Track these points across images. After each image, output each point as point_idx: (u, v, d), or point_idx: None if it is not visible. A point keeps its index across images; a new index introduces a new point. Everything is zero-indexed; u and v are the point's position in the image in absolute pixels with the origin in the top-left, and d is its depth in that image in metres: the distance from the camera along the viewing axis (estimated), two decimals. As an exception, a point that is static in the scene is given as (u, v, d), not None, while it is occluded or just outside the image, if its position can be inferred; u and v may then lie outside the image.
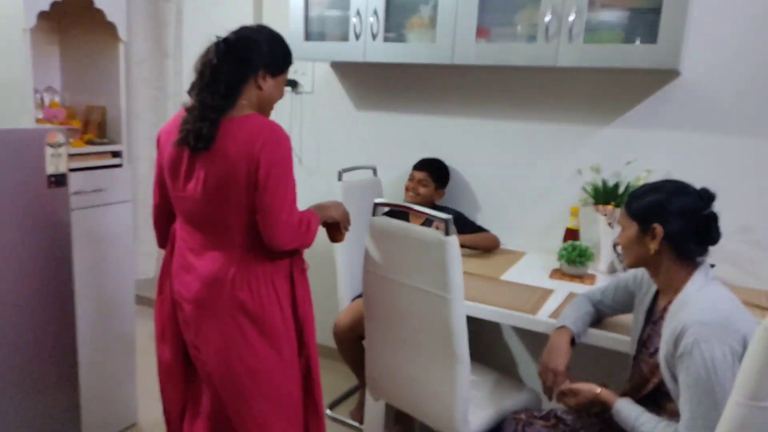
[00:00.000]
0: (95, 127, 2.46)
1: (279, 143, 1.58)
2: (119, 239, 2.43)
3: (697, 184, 1.53)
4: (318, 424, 1.84)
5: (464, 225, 2.48)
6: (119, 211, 2.42)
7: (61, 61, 2.60)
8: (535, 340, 2.55)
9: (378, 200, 1.88)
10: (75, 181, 2.15)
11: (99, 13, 2.27)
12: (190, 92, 1.65)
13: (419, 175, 2.56)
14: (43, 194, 1.97)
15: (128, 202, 2.45)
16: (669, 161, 2.29)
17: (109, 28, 2.35)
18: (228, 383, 1.70)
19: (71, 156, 2.09)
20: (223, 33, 1.66)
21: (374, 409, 2.23)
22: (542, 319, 1.83)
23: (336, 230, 1.89)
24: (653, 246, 1.50)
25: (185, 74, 3.31)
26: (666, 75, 2.25)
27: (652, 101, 2.31)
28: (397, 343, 1.86)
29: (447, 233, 1.65)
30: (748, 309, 1.48)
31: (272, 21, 3.09)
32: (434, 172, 2.58)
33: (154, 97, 3.26)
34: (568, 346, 1.71)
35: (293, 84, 3.06)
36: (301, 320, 1.76)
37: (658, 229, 1.48)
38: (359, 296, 2.50)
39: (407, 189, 2.58)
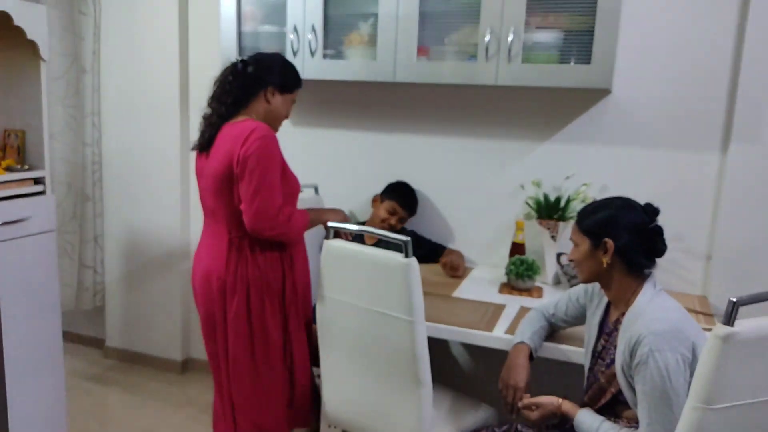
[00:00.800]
0: (14, 152, 2.27)
1: (258, 139, 1.80)
2: (44, 273, 2.25)
3: (631, 197, 1.62)
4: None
5: (420, 244, 2.49)
6: (43, 242, 2.25)
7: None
8: (486, 355, 2.59)
9: (332, 224, 1.84)
10: (-2, 211, 1.98)
11: (18, 31, 2.10)
12: (209, 104, 1.96)
13: (403, 213, 2.52)
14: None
15: (52, 231, 2.29)
16: (604, 175, 2.40)
17: (29, 47, 2.18)
18: None
19: (-9, 185, 1.93)
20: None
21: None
22: (500, 335, 1.86)
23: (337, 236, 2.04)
24: (605, 260, 1.56)
25: (105, 90, 3.14)
26: (598, 93, 2.36)
27: (586, 118, 2.42)
28: (357, 369, 1.83)
29: (407, 255, 1.65)
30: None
31: (200, 37, 2.99)
32: (413, 210, 2.58)
33: (70, 115, 3.05)
34: (527, 362, 1.74)
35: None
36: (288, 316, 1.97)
37: (609, 243, 1.55)
38: None
39: (383, 219, 2.50)
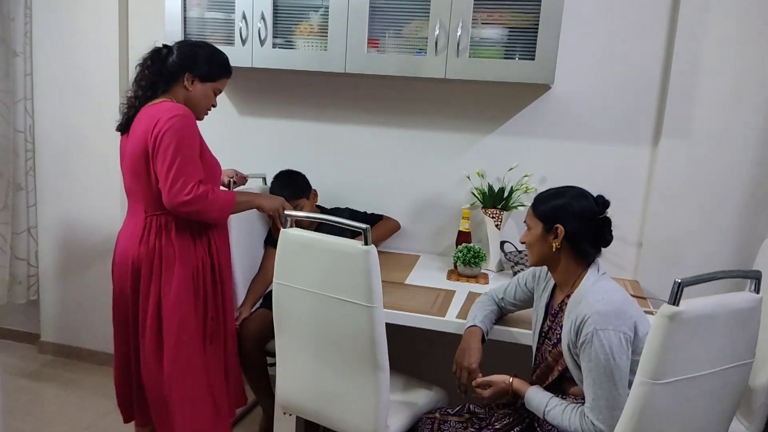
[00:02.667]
0: (-57, 138, 2.15)
1: (172, 117, 1.82)
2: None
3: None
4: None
5: (358, 218, 2.51)
6: (-22, 233, 2.14)
7: None
8: (433, 339, 2.65)
9: (289, 212, 1.86)
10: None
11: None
12: (131, 86, 1.98)
13: (295, 202, 2.42)
14: None
15: (-14, 221, 2.18)
16: (544, 166, 2.52)
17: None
18: None
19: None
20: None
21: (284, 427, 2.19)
22: (452, 320, 1.93)
23: (274, 225, 2.11)
24: (555, 244, 1.65)
25: (38, 75, 3.00)
26: (540, 88, 2.47)
27: (527, 112, 2.52)
28: (314, 356, 1.85)
29: (366, 242, 1.68)
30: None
31: (141, 22, 2.90)
32: (296, 193, 2.45)
33: (1, 101, 2.90)
34: (479, 344, 1.82)
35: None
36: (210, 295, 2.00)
37: (560, 228, 1.63)
38: (261, 306, 2.45)
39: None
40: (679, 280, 1.27)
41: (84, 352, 3.17)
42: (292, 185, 2.48)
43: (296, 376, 1.93)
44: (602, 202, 1.67)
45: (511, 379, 1.72)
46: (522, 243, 1.76)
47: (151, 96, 1.93)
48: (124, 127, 1.96)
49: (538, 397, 1.66)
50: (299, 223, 2.38)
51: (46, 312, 3.21)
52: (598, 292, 1.59)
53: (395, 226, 2.64)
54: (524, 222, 1.75)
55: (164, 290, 1.92)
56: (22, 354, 3.21)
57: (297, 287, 1.82)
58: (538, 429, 1.70)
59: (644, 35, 2.36)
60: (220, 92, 2.05)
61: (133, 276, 1.94)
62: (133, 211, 1.97)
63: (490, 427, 1.78)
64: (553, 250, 1.66)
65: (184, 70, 1.93)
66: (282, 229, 1.83)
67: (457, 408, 1.87)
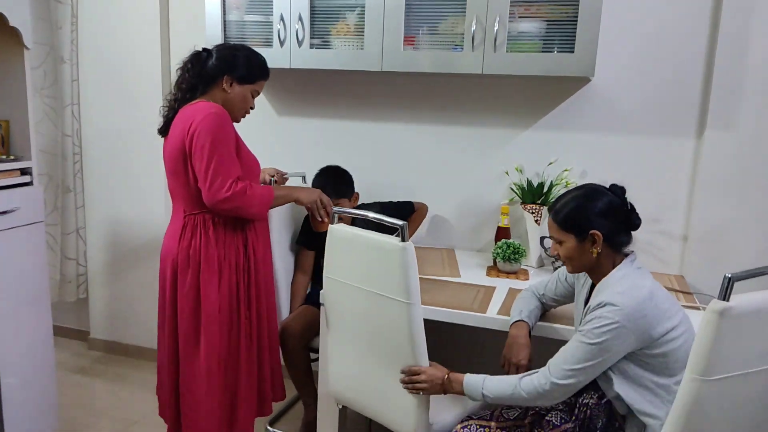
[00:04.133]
0: (-2, 143, 2.24)
1: (207, 116, 1.86)
2: (34, 264, 2.24)
3: (610, 182, 1.67)
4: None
5: (390, 210, 2.51)
6: (32, 234, 2.23)
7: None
8: (476, 336, 2.65)
9: (336, 209, 1.88)
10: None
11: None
12: (172, 89, 2.03)
13: (336, 201, 2.33)
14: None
15: (41, 222, 2.27)
16: (584, 160, 2.49)
17: (10, 35, 2.15)
18: None
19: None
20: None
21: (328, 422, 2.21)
22: (494, 316, 1.92)
23: (313, 218, 2.13)
24: (596, 250, 1.59)
25: (84, 80, 3.10)
26: (579, 81, 2.44)
27: (566, 105, 2.49)
28: (360, 349, 1.87)
29: (403, 239, 1.69)
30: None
31: (180, 25, 2.97)
32: (343, 192, 2.43)
33: (49, 106, 3.01)
34: (528, 339, 1.79)
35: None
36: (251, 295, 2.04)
37: (598, 234, 1.58)
38: (304, 303, 2.48)
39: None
40: (730, 275, 1.24)
41: (131, 348, 3.27)
42: (337, 183, 2.46)
43: (344, 369, 1.95)
44: (620, 191, 1.63)
45: (447, 374, 1.72)
46: (553, 256, 1.72)
47: (190, 98, 1.97)
48: (163, 130, 2.01)
49: (473, 379, 1.66)
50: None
51: (94, 310, 3.31)
52: (624, 285, 1.54)
53: (425, 209, 2.63)
54: (549, 237, 1.70)
55: (203, 289, 1.95)
56: (73, 350, 3.33)
57: (344, 281, 1.84)
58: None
59: (687, 23, 2.31)
60: (258, 94, 2.08)
61: (172, 274, 1.98)
62: (175, 211, 2.03)
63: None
64: (594, 255, 1.61)
65: (222, 73, 1.97)
66: (330, 225, 1.85)
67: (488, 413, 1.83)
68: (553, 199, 1.70)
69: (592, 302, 1.56)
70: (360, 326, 1.85)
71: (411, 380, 1.74)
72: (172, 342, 2.03)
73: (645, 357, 1.53)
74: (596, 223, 1.58)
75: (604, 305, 1.50)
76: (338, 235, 1.83)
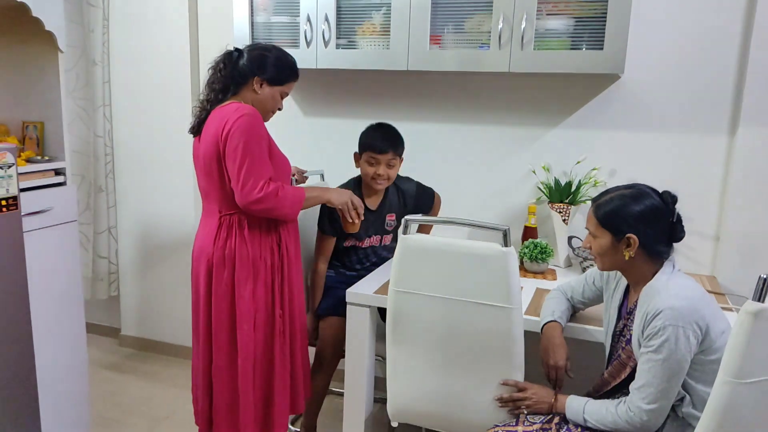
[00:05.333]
0: (33, 144, 2.29)
1: (240, 117, 1.87)
2: (68, 262, 2.29)
3: (640, 180, 1.64)
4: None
5: (427, 196, 2.52)
6: (66, 233, 2.28)
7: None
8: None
9: (409, 216, 1.81)
10: (23, 202, 2.01)
11: (35, 22, 2.12)
12: (204, 89, 2.04)
13: (386, 157, 2.28)
14: (-5, 219, 1.83)
15: (74, 221, 2.32)
16: (613, 159, 2.45)
17: (45, 38, 2.20)
18: None
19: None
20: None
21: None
22: (525, 317, 1.89)
23: (344, 219, 2.15)
24: (629, 253, 1.57)
25: (115, 82, 3.16)
26: (608, 78, 2.41)
27: (595, 103, 2.46)
28: (439, 361, 1.80)
29: (506, 244, 1.65)
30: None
31: (210, 27, 3.01)
32: (398, 147, 2.32)
33: (81, 107, 3.07)
34: (563, 339, 1.77)
35: (236, 91, 3.00)
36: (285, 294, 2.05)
37: (634, 239, 1.55)
38: (332, 314, 2.36)
39: (374, 177, 2.29)
40: (765, 276, 1.21)
41: (162, 345, 3.33)
42: (395, 139, 2.33)
43: (414, 384, 1.87)
44: (671, 200, 1.58)
45: (555, 396, 1.68)
46: (586, 248, 1.70)
47: (222, 99, 1.98)
48: (196, 130, 2.02)
49: (575, 402, 1.63)
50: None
51: (126, 307, 3.38)
52: (673, 288, 1.53)
53: (440, 201, 2.60)
54: (586, 228, 1.67)
55: (238, 288, 1.97)
56: (105, 347, 3.40)
57: (421, 293, 1.77)
58: None
59: (719, 18, 2.26)
60: (287, 95, 2.09)
61: (206, 274, 2.00)
62: (208, 211, 2.04)
63: None
64: (627, 258, 1.58)
65: (253, 74, 1.98)
66: (402, 235, 1.79)
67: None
68: (600, 193, 1.66)
69: (643, 310, 1.54)
70: (441, 337, 1.78)
71: (516, 397, 1.71)
72: (206, 344, 2.04)
73: (701, 365, 1.50)
74: (635, 227, 1.55)
75: (660, 312, 1.48)
76: (415, 245, 1.76)
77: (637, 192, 1.59)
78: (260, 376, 2.04)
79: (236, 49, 2.03)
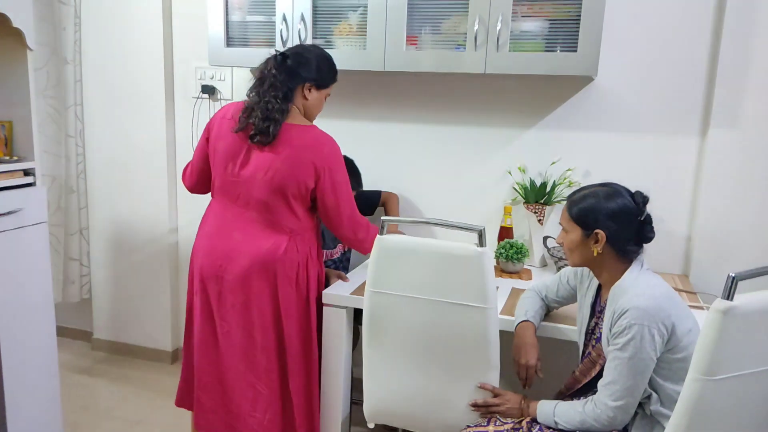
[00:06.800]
0: (1, 144, 2.24)
1: (334, 153, 1.96)
2: (38, 264, 2.24)
3: (613, 181, 1.67)
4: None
5: (371, 199, 2.59)
6: (35, 234, 2.23)
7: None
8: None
9: (385, 217, 1.80)
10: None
11: (2, 19, 2.07)
12: (249, 93, 1.96)
13: None
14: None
15: (44, 223, 2.27)
16: (587, 160, 2.48)
17: (13, 36, 2.15)
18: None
19: (-16, 177, 1.91)
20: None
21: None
22: (501, 316, 1.90)
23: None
24: (597, 249, 1.61)
25: (87, 81, 3.10)
26: (582, 80, 2.43)
27: (569, 105, 2.48)
28: (415, 361, 1.80)
29: (481, 244, 1.66)
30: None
31: (184, 27, 2.97)
32: (357, 185, 2.52)
33: (52, 107, 3.01)
34: (535, 339, 1.79)
35: (210, 90, 2.96)
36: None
37: (601, 234, 1.59)
38: None
39: None
40: (734, 274, 1.23)
41: (134, 348, 3.28)
42: (352, 174, 2.37)
43: (390, 385, 1.86)
44: (642, 200, 1.62)
45: (522, 399, 1.71)
46: (558, 244, 1.73)
47: (286, 109, 1.92)
48: (267, 140, 1.90)
49: (546, 406, 1.65)
50: None
51: (97, 310, 3.32)
52: (640, 287, 1.56)
53: (396, 199, 2.65)
54: (559, 223, 1.71)
55: (310, 305, 2.03)
56: (76, 351, 3.34)
57: (398, 294, 1.77)
58: None
59: (691, 21, 2.30)
60: (329, 96, 2.08)
61: (270, 287, 1.96)
62: (264, 221, 1.96)
63: None
64: (595, 254, 1.62)
65: (303, 79, 1.95)
66: (378, 236, 1.78)
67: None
68: (575, 189, 1.71)
69: (611, 308, 1.56)
70: (418, 337, 1.77)
71: (489, 403, 1.74)
72: (272, 362, 2.01)
73: (668, 363, 1.53)
74: (604, 223, 1.59)
75: (626, 311, 1.51)
76: (391, 245, 1.75)
77: (611, 190, 1.63)
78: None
79: (281, 54, 1.96)
